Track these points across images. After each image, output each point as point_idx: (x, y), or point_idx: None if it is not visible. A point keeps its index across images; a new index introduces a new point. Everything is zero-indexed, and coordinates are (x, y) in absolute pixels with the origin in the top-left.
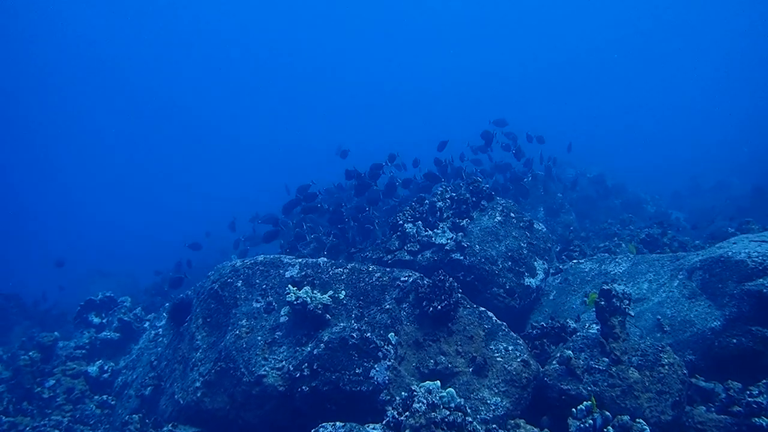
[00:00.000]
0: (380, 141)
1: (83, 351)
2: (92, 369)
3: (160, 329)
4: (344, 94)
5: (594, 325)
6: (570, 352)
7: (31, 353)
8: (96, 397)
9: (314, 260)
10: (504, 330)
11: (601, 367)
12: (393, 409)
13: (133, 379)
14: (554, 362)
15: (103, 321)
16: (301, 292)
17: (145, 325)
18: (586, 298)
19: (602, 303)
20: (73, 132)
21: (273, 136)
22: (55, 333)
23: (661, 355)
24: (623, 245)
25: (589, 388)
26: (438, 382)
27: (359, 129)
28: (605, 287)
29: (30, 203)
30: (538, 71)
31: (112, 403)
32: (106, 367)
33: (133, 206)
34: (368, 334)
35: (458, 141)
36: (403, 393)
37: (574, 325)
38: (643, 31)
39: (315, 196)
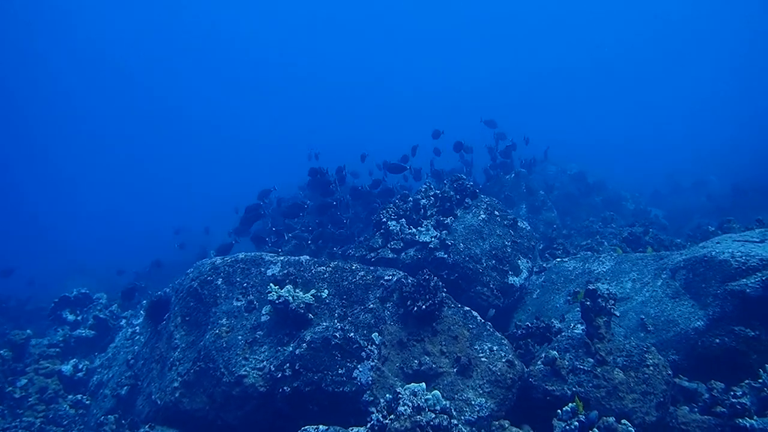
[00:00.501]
0: (375, 141)
1: (57, 349)
2: (66, 368)
3: (137, 327)
4: (346, 95)
5: (579, 326)
6: (555, 352)
7: (1, 351)
8: (70, 396)
9: (296, 258)
10: (489, 330)
11: (586, 368)
12: (377, 411)
13: (108, 378)
14: (539, 363)
15: (78, 318)
16: (283, 290)
17: (122, 323)
18: (570, 297)
19: (588, 303)
20: (68, 128)
21: (272, 134)
22: (28, 331)
23: (646, 355)
24: (605, 243)
25: (574, 389)
26: (423, 384)
27: (360, 129)
28: (591, 287)
29: (21, 198)
30: (532, 75)
31: (87, 402)
32: (80, 366)
33: (127, 202)
34: (351, 334)
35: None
36: (387, 394)
37: (559, 325)
38: (636, 33)
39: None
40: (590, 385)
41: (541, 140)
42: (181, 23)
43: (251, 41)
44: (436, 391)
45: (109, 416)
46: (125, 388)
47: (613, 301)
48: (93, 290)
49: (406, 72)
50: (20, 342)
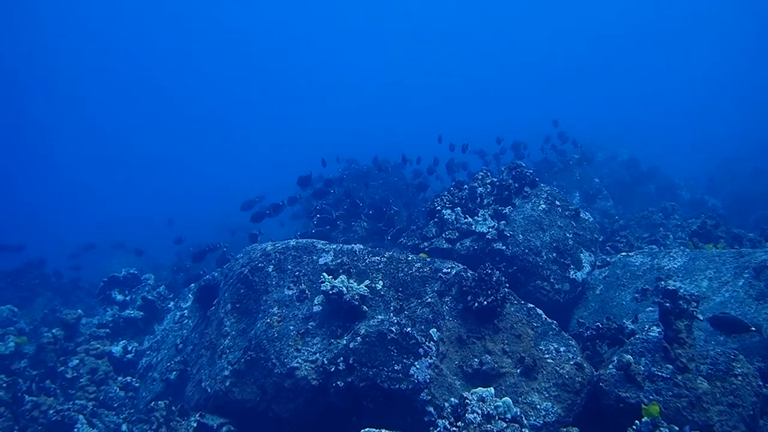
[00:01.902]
0: (384, 140)
1: (107, 330)
2: (116, 349)
3: (186, 311)
4: (356, 93)
5: (655, 328)
6: (629, 356)
7: (54, 330)
8: (119, 378)
9: (350, 247)
10: (554, 329)
11: (664, 375)
12: (443, 418)
13: (157, 361)
14: (611, 367)
15: (126, 299)
16: (336, 281)
17: (170, 305)
18: (638, 295)
19: (667, 304)
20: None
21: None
22: (79, 310)
23: (734, 364)
24: (671, 236)
25: (651, 397)
26: (491, 389)
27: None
28: (671, 287)
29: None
30: (556, 60)
31: (136, 385)
32: (130, 348)
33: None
34: (408, 329)
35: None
36: (447, 395)
37: (632, 326)
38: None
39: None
40: (670, 393)
41: (579, 126)
42: (185, 14)
43: (255, 32)
44: (506, 398)
45: (159, 402)
46: (174, 373)
47: (695, 304)
48: (140, 270)
49: (423, 65)
50: (72, 322)
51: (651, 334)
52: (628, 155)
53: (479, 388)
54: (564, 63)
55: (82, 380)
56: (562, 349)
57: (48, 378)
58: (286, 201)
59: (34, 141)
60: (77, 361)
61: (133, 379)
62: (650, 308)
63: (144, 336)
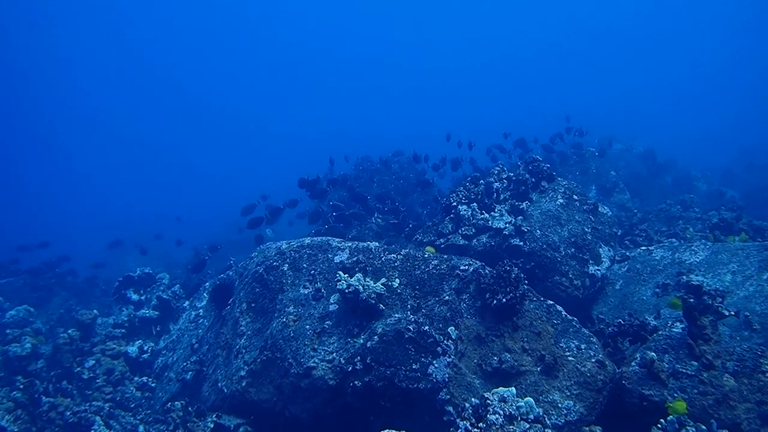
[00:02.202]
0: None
1: (122, 330)
2: (132, 349)
3: (201, 310)
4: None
5: (678, 324)
6: (653, 353)
7: (70, 331)
8: (136, 378)
9: (365, 245)
10: (575, 326)
11: (689, 372)
12: (464, 419)
13: (173, 361)
14: (634, 364)
15: (142, 298)
16: (352, 279)
17: (185, 305)
18: (658, 290)
19: (691, 300)
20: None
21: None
22: (94, 311)
23: (761, 360)
24: (691, 229)
25: (675, 395)
26: (513, 389)
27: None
28: (695, 283)
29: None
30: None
31: (152, 385)
32: (145, 348)
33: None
34: (426, 328)
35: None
36: (466, 394)
37: (655, 322)
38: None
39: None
40: (695, 391)
41: (590, 118)
42: (197, 12)
43: (269, 28)
44: (528, 398)
45: (176, 402)
46: (190, 373)
47: (720, 299)
48: (155, 269)
49: (426, 60)
50: (88, 322)
51: (674, 330)
52: (644, 147)
53: (500, 388)
54: (572, 55)
55: (98, 381)
56: (583, 346)
57: (65, 379)
58: (286, 203)
59: (49, 139)
60: (93, 361)
61: (150, 380)
62: (674, 304)
63: (160, 336)
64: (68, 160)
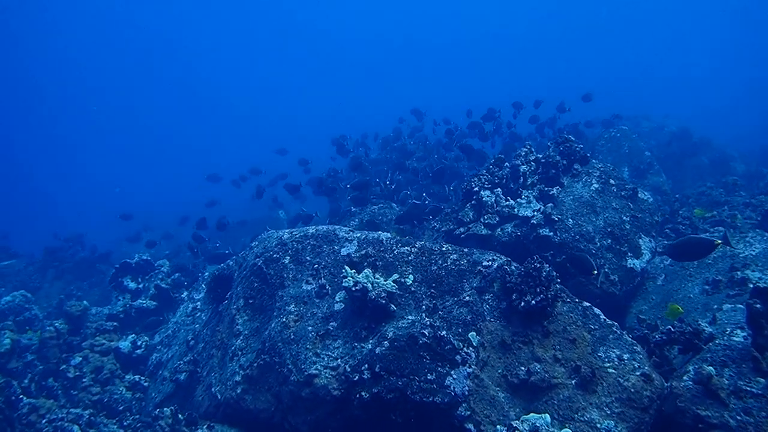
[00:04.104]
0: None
1: (114, 323)
2: (124, 344)
3: (199, 302)
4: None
5: (739, 332)
6: (711, 367)
7: (57, 324)
8: (127, 376)
9: (375, 235)
10: (615, 332)
11: (755, 390)
12: None
13: (168, 358)
14: (686, 378)
15: (140, 287)
16: (360, 276)
17: (183, 296)
18: (708, 287)
19: (757, 306)
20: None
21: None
22: (84, 302)
23: None
24: (739, 216)
25: (738, 418)
26: (547, 416)
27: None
28: (762, 286)
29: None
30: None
31: (145, 384)
32: (139, 342)
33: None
34: (443, 332)
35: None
36: (493, 415)
37: (710, 329)
38: None
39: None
40: (763, 414)
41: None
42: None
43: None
44: (567, 429)
45: (165, 409)
46: (184, 374)
47: None
48: (161, 250)
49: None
50: (77, 314)
51: (735, 339)
52: (677, 125)
53: (531, 415)
54: (589, 32)
55: (85, 380)
56: (625, 356)
57: (50, 376)
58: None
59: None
60: (80, 358)
61: (143, 378)
62: (728, 305)
63: (157, 328)
64: (80, 155)
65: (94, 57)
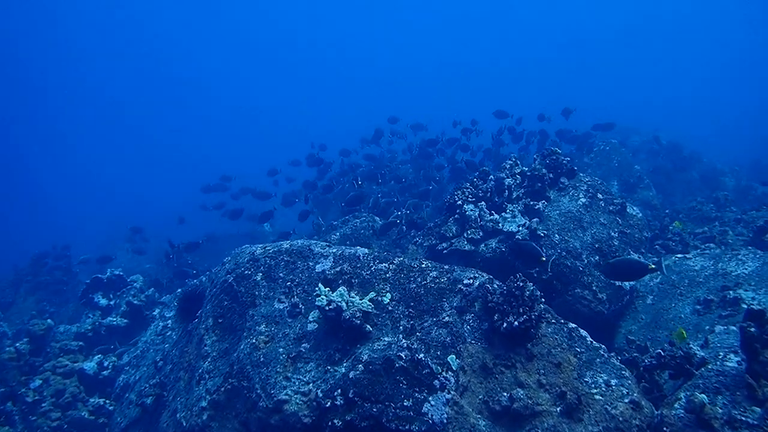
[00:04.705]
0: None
1: (80, 343)
2: (90, 365)
3: (170, 321)
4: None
5: (732, 356)
6: (703, 395)
7: (18, 344)
8: (92, 400)
9: (352, 251)
10: (603, 356)
11: (750, 420)
12: None
13: (135, 380)
14: (677, 407)
15: (111, 303)
16: (334, 294)
17: (155, 313)
18: (699, 307)
19: (752, 330)
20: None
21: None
22: (48, 320)
23: None
24: (730, 232)
25: None
26: None
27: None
28: (756, 308)
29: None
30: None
31: (110, 408)
32: (106, 363)
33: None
34: (421, 355)
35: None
36: None
37: (702, 353)
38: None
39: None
40: None
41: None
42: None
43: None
44: None
45: None
46: (150, 397)
47: None
48: (126, 270)
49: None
50: (40, 333)
51: (728, 364)
52: (667, 139)
53: None
54: (578, 50)
55: (44, 404)
56: (613, 381)
57: (9, 400)
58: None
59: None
60: (40, 381)
61: (108, 401)
62: (721, 326)
63: (127, 347)
64: (80, 158)
65: (93, 59)
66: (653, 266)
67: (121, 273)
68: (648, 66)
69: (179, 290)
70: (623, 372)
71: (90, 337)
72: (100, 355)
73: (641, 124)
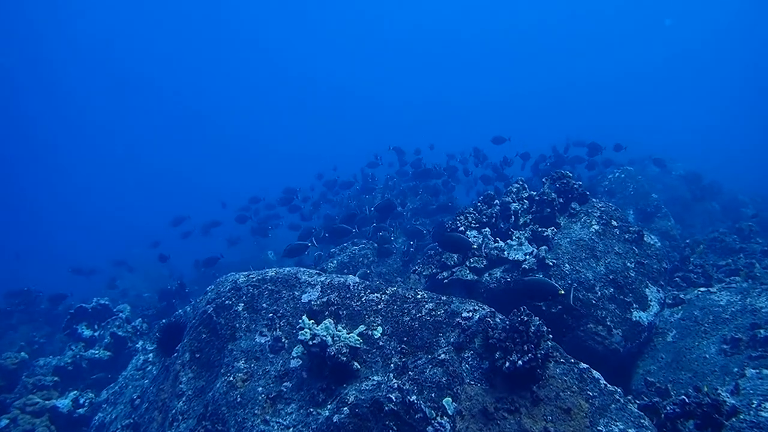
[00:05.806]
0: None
1: (56, 378)
2: (63, 403)
3: (151, 354)
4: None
5: (767, 404)
6: None
7: None
8: None
9: (341, 280)
10: (618, 401)
11: None
12: None
13: (111, 419)
14: None
15: (95, 334)
16: (319, 327)
17: (137, 346)
18: (727, 347)
19: None
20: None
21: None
22: (22, 353)
23: None
24: (757, 265)
25: None
26: None
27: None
28: None
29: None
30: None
31: None
32: (82, 401)
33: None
34: (413, 398)
35: None
36: None
37: (732, 400)
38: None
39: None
40: None
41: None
42: (188, 16)
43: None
44: None
45: None
46: None
47: None
48: (113, 300)
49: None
50: (12, 368)
51: (763, 414)
52: (685, 169)
53: None
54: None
55: None
56: (630, 431)
57: None
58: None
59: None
60: (7, 421)
61: None
62: (752, 369)
63: (109, 383)
64: (73, 177)
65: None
66: (562, 291)
67: (107, 302)
68: (671, 96)
69: (163, 321)
70: (642, 421)
71: (69, 371)
72: (75, 392)
73: (660, 153)
